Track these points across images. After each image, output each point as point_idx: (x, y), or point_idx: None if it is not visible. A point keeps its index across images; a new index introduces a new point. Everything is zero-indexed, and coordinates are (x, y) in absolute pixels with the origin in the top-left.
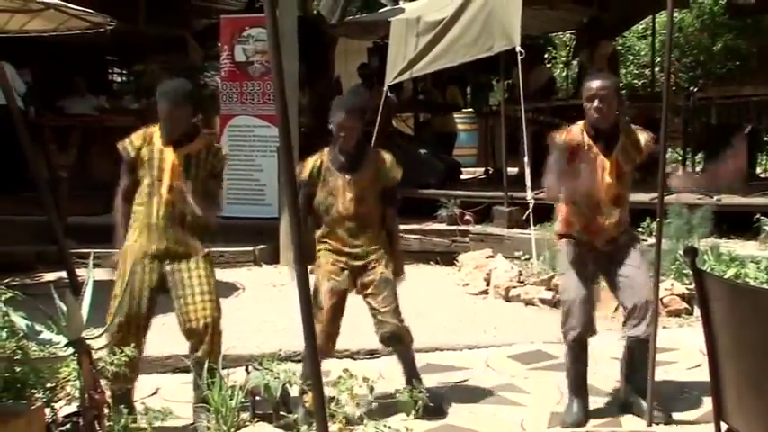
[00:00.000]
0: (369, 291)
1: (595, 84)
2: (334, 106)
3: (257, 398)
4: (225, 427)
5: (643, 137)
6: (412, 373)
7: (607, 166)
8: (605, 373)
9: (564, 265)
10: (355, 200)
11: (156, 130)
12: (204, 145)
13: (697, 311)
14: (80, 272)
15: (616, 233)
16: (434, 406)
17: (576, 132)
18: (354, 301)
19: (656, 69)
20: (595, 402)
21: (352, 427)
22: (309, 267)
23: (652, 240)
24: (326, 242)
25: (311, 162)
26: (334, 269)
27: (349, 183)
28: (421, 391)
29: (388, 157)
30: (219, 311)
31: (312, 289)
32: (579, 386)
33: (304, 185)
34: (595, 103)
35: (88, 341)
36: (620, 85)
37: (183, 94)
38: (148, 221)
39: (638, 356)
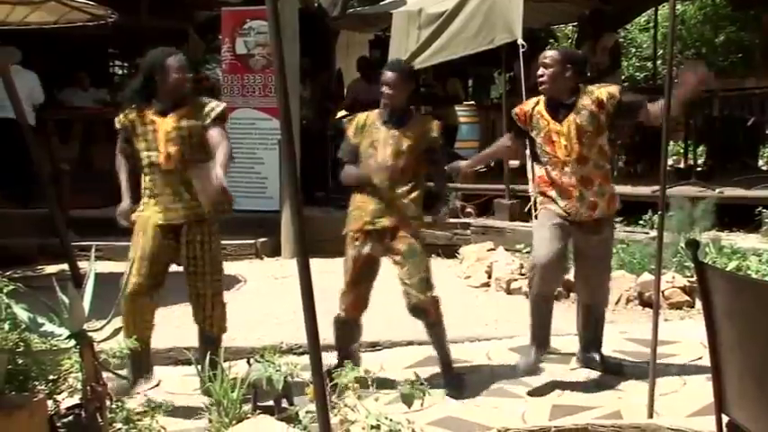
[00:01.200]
0: (396, 259)
1: (543, 54)
2: (384, 68)
3: (259, 390)
4: (227, 420)
5: (606, 91)
6: (442, 352)
7: (560, 129)
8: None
9: (537, 224)
10: (393, 153)
11: (141, 106)
12: (191, 107)
13: (699, 304)
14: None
15: (593, 195)
16: (455, 386)
17: (528, 103)
18: None
19: (659, 62)
20: (593, 393)
21: (353, 420)
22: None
23: (654, 233)
24: (356, 198)
25: (357, 117)
26: (359, 235)
27: (391, 136)
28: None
29: (434, 121)
30: (222, 284)
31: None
32: (539, 337)
33: (349, 140)
34: (539, 71)
35: (90, 333)
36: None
37: (187, 66)
38: (153, 192)
39: (592, 320)
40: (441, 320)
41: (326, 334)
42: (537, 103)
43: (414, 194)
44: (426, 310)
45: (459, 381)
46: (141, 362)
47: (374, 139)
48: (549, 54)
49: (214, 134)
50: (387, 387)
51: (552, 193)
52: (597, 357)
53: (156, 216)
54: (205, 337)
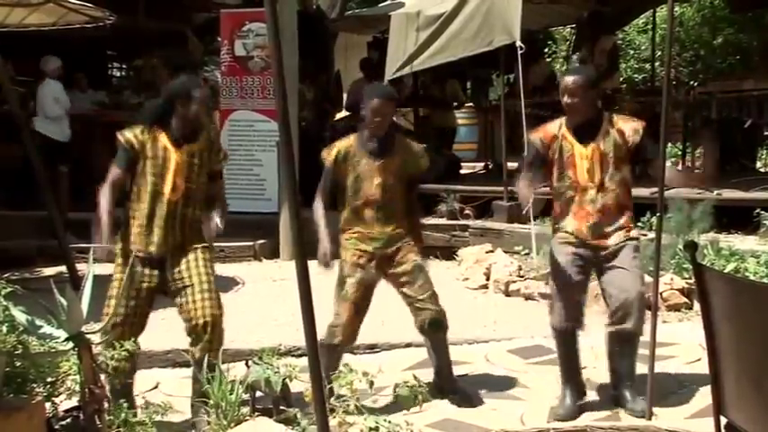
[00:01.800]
0: (403, 279)
1: (567, 79)
2: (368, 93)
3: (257, 393)
4: (225, 422)
5: (630, 126)
6: (447, 362)
7: (585, 153)
8: (606, 367)
9: (553, 258)
10: (383, 184)
11: (160, 128)
12: (207, 143)
13: (697, 306)
14: (80, 266)
15: (606, 225)
16: (467, 395)
17: (552, 126)
18: None
19: (657, 64)
20: (595, 397)
21: (352, 422)
22: (333, 260)
23: (652, 235)
24: (352, 230)
25: (337, 147)
26: (363, 260)
27: (378, 167)
28: (421, 386)
29: (417, 145)
30: (221, 309)
31: (338, 279)
32: (569, 379)
33: (328, 171)
34: (565, 99)
35: (88, 335)
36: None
37: (201, 92)
38: (149, 221)
39: (621, 349)
40: (447, 334)
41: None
42: (560, 126)
43: (410, 219)
44: (443, 322)
45: (466, 391)
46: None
47: (359, 173)
48: (573, 79)
49: (221, 183)
50: (385, 389)
51: (564, 222)
52: (628, 395)
53: (142, 249)
54: (195, 358)
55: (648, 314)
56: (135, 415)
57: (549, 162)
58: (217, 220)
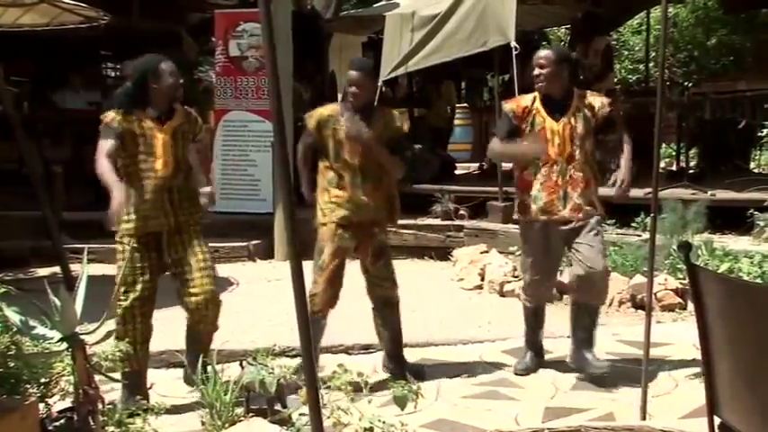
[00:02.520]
0: (369, 258)
1: (538, 54)
2: (348, 66)
3: (252, 393)
4: (219, 422)
5: (598, 100)
6: (398, 339)
7: (556, 128)
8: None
9: (524, 237)
10: (362, 151)
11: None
12: (185, 116)
13: (691, 306)
14: (74, 267)
15: (577, 197)
16: (416, 373)
17: (525, 99)
18: (349, 296)
19: (651, 64)
20: (588, 396)
21: (346, 422)
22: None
23: (646, 235)
24: (330, 194)
25: (319, 112)
26: (339, 230)
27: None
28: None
29: (394, 111)
30: (216, 284)
31: (316, 248)
32: (533, 342)
33: (308, 135)
34: (536, 71)
35: (82, 336)
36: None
37: (177, 70)
38: (142, 198)
39: (583, 320)
40: (399, 307)
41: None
42: (534, 99)
43: (385, 191)
44: (397, 304)
45: (419, 367)
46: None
47: (340, 138)
48: (545, 54)
49: (201, 147)
50: (380, 389)
51: (533, 192)
52: (590, 357)
53: (140, 226)
54: (193, 336)
55: (643, 314)
56: (146, 410)
57: (521, 133)
58: (207, 191)
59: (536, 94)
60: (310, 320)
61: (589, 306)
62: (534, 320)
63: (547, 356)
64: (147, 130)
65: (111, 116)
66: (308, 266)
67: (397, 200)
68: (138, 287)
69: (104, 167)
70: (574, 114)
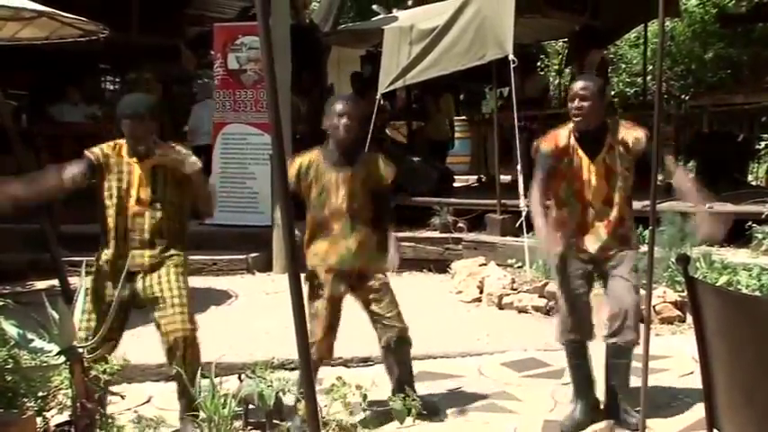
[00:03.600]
0: (371, 297)
1: (577, 84)
2: (330, 102)
3: (250, 406)
4: None
5: (632, 135)
6: (408, 379)
7: (594, 169)
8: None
9: (558, 272)
10: (348, 195)
11: (123, 143)
12: (167, 153)
13: (689, 319)
14: (72, 280)
15: (610, 239)
16: (430, 409)
17: (562, 136)
18: (347, 309)
19: (648, 78)
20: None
21: None
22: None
23: (645, 248)
24: (317, 244)
25: (298, 161)
26: (330, 277)
27: (343, 178)
28: (414, 399)
29: (380, 157)
30: (193, 323)
31: (308, 296)
32: (580, 390)
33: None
34: (576, 103)
35: (80, 349)
36: (612, 93)
37: (146, 110)
38: (116, 234)
39: (615, 363)
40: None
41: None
42: (569, 135)
43: (376, 235)
44: (408, 339)
45: (433, 404)
46: None
47: (324, 184)
48: (584, 85)
49: (197, 182)
50: (378, 403)
51: (567, 231)
52: (622, 408)
53: (117, 262)
54: (178, 377)
55: (642, 327)
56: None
57: (558, 172)
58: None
59: (570, 127)
60: (312, 367)
61: (620, 346)
62: (576, 362)
63: (545, 369)
64: (125, 164)
65: (93, 150)
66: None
67: (390, 239)
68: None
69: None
70: (608, 152)
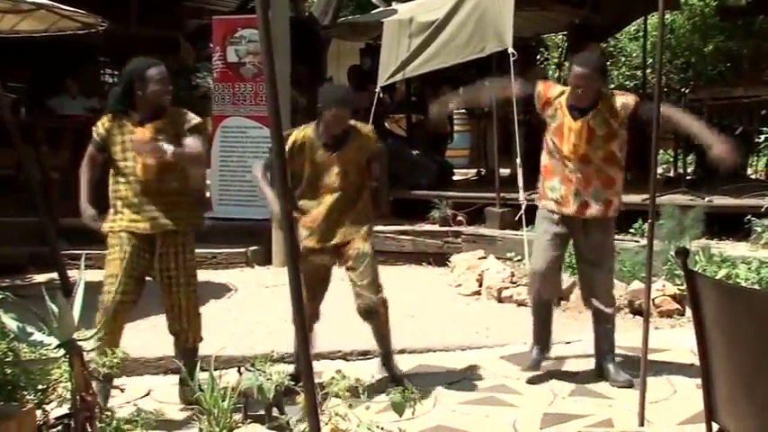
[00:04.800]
0: (348, 264)
1: (576, 70)
2: (324, 96)
3: (250, 399)
4: (217, 429)
5: (620, 100)
6: (386, 349)
7: (574, 127)
8: (594, 368)
9: (536, 231)
10: (341, 176)
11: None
12: (172, 116)
13: (689, 312)
14: (72, 273)
15: (591, 198)
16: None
17: (554, 90)
18: (347, 303)
19: (648, 71)
20: (587, 402)
21: (344, 428)
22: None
23: (644, 241)
24: (308, 217)
25: (293, 138)
26: (317, 248)
27: (335, 158)
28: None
29: (366, 128)
30: (197, 295)
31: None
32: (541, 337)
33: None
34: (574, 86)
35: (80, 342)
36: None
37: (169, 77)
38: (128, 200)
39: (599, 326)
40: (388, 322)
41: (317, 342)
42: (562, 93)
43: (361, 204)
44: (378, 310)
45: (402, 377)
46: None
47: (317, 164)
48: (582, 72)
49: (188, 141)
50: (377, 395)
51: (553, 183)
52: (611, 368)
53: (131, 225)
54: (182, 351)
55: (641, 320)
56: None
57: (541, 116)
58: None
59: (568, 91)
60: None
61: (599, 312)
62: (541, 318)
63: (545, 363)
64: (128, 133)
65: (97, 126)
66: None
67: (383, 193)
68: (128, 288)
69: (82, 173)
70: (594, 117)
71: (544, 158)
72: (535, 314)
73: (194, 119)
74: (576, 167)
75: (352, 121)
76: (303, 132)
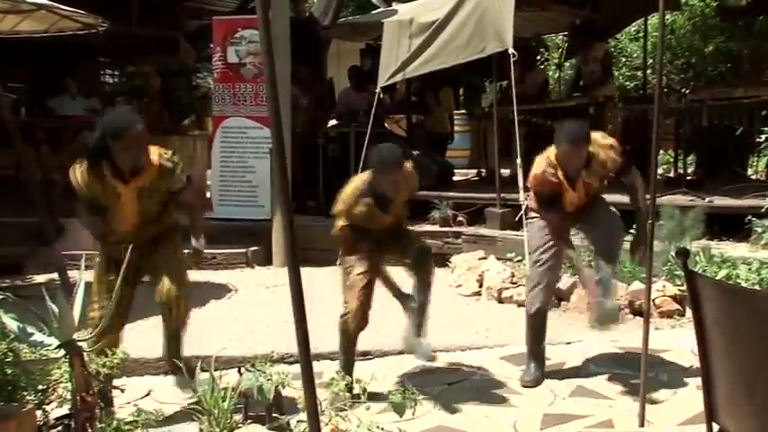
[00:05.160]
0: (399, 248)
1: (569, 147)
2: (379, 163)
3: (250, 399)
4: (217, 429)
5: (609, 156)
6: (423, 312)
7: (575, 194)
8: (596, 372)
9: (532, 240)
10: (388, 217)
11: (98, 165)
12: (155, 171)
13: (689, 313)
14: (72, 273)
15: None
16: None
17: (548, 174)
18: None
19: (648, 71)
20: (587, 402)
21: (344, 429)
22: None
23: None
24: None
25: (353, 190)
26: (363, 251)
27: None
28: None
29: (409, 170)
30: (188, 285)
31: (343, 271)
32: (537, 351)
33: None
34: (566, 158)
35: (80, 343)
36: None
37: (143, 130)
38: (116, 237)
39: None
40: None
41: (318, 343)
42: (554, 172)
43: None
44: (429, 250)
45: (424, 347)
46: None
47: (366, 211)
48: (574, 147)
49: (189, 196)
50: (378, 396)
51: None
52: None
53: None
54: (167, 331)
55: (641, 321)
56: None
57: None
58: (194, 244)
59: (552, 158)
60: (344, 338)
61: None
62: (536, 329)
63: (545, 363)
64: (110, 186)
65: (77, 181)
66: (305, 273)
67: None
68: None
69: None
70: (588, 173)
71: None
72: (533, 326)
73: (180, 179)
74: (573, 210)
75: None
76: (360, 187)
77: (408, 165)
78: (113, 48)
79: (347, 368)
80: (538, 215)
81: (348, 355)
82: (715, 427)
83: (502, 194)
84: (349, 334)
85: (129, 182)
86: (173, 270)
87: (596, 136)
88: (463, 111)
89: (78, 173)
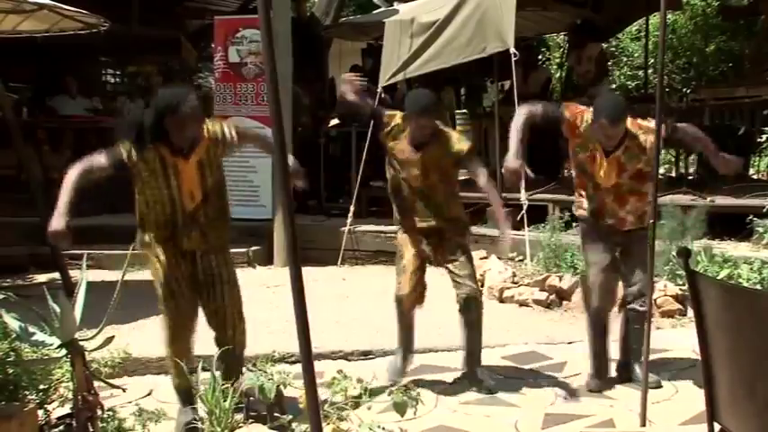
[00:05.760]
0: (448, 257)
1: (608, 122)
2: (409, 105)
3: (251, 399)
4: (219, 429)
5: (647, 138)
6: (473, 347)
7: (605, 162)
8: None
9: (585, 244)
10: (422, 174)
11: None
12: (208, 141)
13: (690, 312)
14: (73, 273)
15: (625, 212)
16: (485, 384)
17: (583, 119)
18: (348, 304)
19: (650, 71)
20: (588, 402)
21: (346, 428)
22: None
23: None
24: (403, 218)
25: (395, 120)
26: (416, 237)
27: (418, 158)
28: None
29: (452, 133)
30: (240, 304)
31: (397, 254)
32: (599, 354)
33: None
34: (606, 137)
35: (81, 342)
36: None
37: (199, 105)
38: (170, 228)
39: (636, 328)
40: (482, 316)
41: (318, 342)
42: (587, 122)
43: (457, 205)
44: (478, 300)
45: (484, 379)
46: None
47: (401, 159)
48: (614, 130)
49: (244, 132)
50: (379, 396)
51: (588, 192)
52: (638, 368)
53: (173, 244)
54: (226, 361)
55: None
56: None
57: (571, 138)
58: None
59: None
60: (399, 316)
61: (639, 314)
62: (598, 330)
63: (546, 362)
64: (171, 166)
65: (122, 150)
66: (306, 272)
67: (495, 194)
68: (180, 304)
69: (71, 179)
70: (624, 152)
71: (575, 172)
72: (595, 329)
73: (227, 129)
74: (608, 192)
75: (440, 125)
76: (402, 122)
77: (452, 133)
78: (115, 47)
79: (406, 347)
80: (585, 222)
81: (406, 330)
82: (716, 426)
83: (503, 194)
84: (401, 313)
85: (188, 156)
86: (227, 282)
87: (639, 122)
88: (464, 110)
89: (126, 148)
